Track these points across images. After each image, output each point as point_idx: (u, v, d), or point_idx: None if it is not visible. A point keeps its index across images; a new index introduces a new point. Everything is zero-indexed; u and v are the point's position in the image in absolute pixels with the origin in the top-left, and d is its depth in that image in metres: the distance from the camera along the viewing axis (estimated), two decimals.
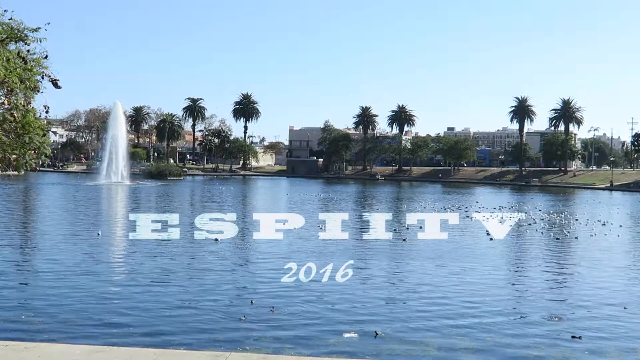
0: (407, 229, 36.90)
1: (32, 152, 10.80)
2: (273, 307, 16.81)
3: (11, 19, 10.21)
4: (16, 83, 9.82)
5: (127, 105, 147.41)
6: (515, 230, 38.14)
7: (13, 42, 10.33)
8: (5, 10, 10.19)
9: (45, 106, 11.00)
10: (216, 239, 29.44)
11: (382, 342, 14.20)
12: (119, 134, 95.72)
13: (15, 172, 11.55)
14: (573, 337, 14.78)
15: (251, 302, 17.51)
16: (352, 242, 31.54)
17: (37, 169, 11.23)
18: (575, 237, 34.72)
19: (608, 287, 21.34)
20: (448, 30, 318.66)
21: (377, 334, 14.68)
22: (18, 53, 10.24)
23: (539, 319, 16.49)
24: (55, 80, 10.56)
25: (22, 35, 10.22)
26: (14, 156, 10.79)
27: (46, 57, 10.46)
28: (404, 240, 31.51)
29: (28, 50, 10.29)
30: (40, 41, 10.28)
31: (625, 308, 17.89)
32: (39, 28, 10.36)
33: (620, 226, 41.76)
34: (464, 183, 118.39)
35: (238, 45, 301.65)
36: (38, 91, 10.83)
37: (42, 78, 10.59)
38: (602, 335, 15.29)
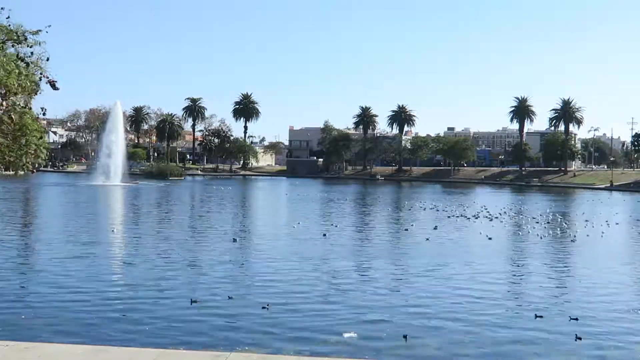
0: (409, 229, 36.93)
1: (30, 154, 10.79)
2: (268, 304, 16.82)
3: (8, 17, 10.18)
4: (14, 84, 9.80)
5: (127, 105, 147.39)
6: (514, 231, 38.14)
7: (12, 45, 10.29)
8: (2, 8, 10.16)
9: (42, 108, 11.01)
10: (234, 239, 29.64)
11: (382, 342, 14.21)
12: (118, 134, 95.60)
13: (13, 173, 11.51)
14: (578, 337, 14.72)
15: (252, 301, 17.51)
16: (353, 242, 31.57)
17: (34, 171, 11.22)
18: (575, 238, 34.62)
19: (607, 287, 21.34)
20: (448, 30, 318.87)
21: (377, 334, 14.69)
22: (17, 55, 10.20)
23: (541, 320, 16.46)
24: (53, 81, 10.54)
25: (22, 37, 10.19)
26: (11, 158, 10.78)
27: (47, 59, 10.43)
28: (406, 230, 31.60)
29: (32, 53, 10.27)
30: (40, 44, 10.26)
31: (627, 309, 17.89)
32: (40, 31, 10.33)
33: (617, 224, 41.78)
34: (464, 183, 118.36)
35: (238, 45, 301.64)
36: (36, 94, 10.82)
37: (40, 80, 10.57)
38: (605, 335, 15.27)
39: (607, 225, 41.24)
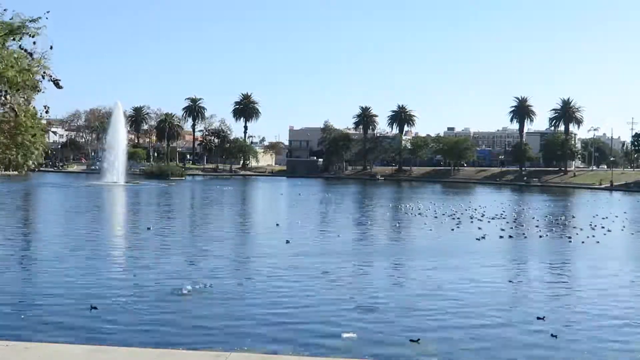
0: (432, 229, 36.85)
1: (29, 153, 10.76)
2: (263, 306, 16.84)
3: (12, 18, 10.16)
4: (14, 78, 9.73)
5: (127, 105, 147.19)
6: (510, 231, 38.10)
7: (13, 38, 10.22)
8: (5, 10, 10.15)
9: (45, 106, 10.96)
10: (287, 241, 29.15)
11: (382, 342, 14.21)
12: (119, 135, 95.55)
13: (15, 173, 11.52)
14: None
15: (253, 301, 17.50)
16: (353, 242, 31.57)
17: (36, 169, 11.24)
18: (571, 238, 34.62)
19: (606, 288, 21.32)
20: (448, 30, 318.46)
21: (377, 334, 14.69)
22: (20, 46, 10.12)
23: (540, 323, 16.47)
24: (56, 80, 10.47)
25: (23, 26, 10.11)
26: (12, 156, 10.77)
27: (51, 47, 10.34)
28: (430, 230, 31.51)
29: (34, 43, 10.16)
30: (39, 30, 10.16)
31: (627, 319, 17.90)
32: (39, 18, 10.24)
33: (619, 226, 41.73)
34: (464, 183, 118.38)
35: (238, 45, 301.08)
36: (38, 91, 10.77)
37: (43, 78, 10.51)
38: (602, 339, 15.28)
39: (603, 227, 41.10)
